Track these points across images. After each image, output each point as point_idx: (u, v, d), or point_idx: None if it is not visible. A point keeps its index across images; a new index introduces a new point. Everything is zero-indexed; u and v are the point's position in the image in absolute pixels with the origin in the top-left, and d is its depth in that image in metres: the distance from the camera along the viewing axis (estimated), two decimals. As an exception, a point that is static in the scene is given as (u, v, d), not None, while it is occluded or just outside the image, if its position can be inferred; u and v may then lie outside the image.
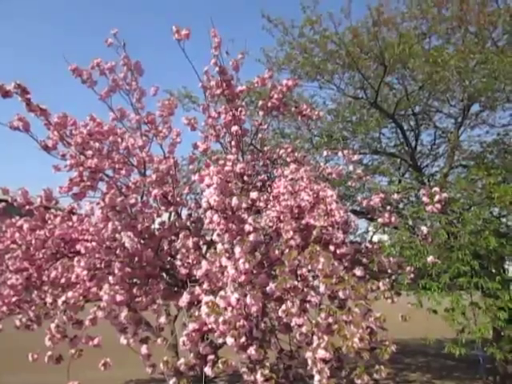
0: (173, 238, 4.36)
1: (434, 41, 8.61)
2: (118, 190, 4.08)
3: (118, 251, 3.95)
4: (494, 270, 6.30)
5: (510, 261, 6.85)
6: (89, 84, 4.34)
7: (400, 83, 8.81)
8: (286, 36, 8.52)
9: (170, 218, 4.74)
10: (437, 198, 4.11)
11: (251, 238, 2.93)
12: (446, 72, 7.55)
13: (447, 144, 9.32)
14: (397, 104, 8.21)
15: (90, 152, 3.89)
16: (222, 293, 2.90)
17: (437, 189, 4.22)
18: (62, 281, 3.96)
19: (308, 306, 2.94)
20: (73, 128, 4.03)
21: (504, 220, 7.07)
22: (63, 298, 3.45)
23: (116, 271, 3.77)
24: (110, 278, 3.76)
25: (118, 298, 3.53)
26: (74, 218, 4.23)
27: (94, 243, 3.89)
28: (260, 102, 4.42)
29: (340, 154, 4.46)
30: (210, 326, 2.87)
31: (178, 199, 4.40)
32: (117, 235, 3.84)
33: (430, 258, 4.42)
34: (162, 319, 3.67)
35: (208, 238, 4.40)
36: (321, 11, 8.06)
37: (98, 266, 3.97)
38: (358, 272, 3.52)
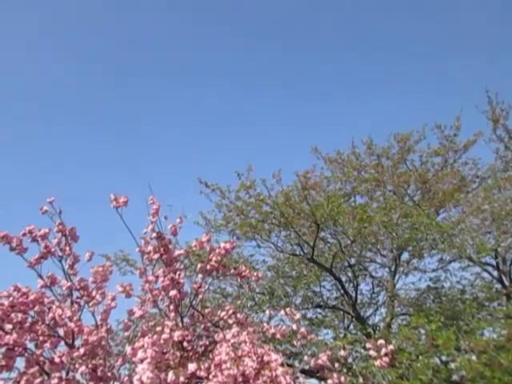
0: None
1: (359, 199, 9.58)
2: (40, 367, 3.59)
3: None
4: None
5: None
6: (18, 251, 4.15)
7: (334, 238, 9.35)
8: (223, 199, 9.09)
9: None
10: (383, 351, 4.00)
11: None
12: (373, 226, 8.20)
13: (386, 292, 9.57)
14: (333, 257, 8.57)
15: (9, 326, 3.51)
16: None
17: (382, 341, 4.13)
18: None
19: None
20: (-8, 299, 3.69)
21: (453, 366, 6.94)
22: None
23: None
24: None
25: None
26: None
27: None
28: (199, 265, 4.40)
29: (282, 311, 4.38)
30: None
31: (109, 374, 3.93)
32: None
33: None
34: None
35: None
36: (254, 177, 8.84)
37: None
38: None
